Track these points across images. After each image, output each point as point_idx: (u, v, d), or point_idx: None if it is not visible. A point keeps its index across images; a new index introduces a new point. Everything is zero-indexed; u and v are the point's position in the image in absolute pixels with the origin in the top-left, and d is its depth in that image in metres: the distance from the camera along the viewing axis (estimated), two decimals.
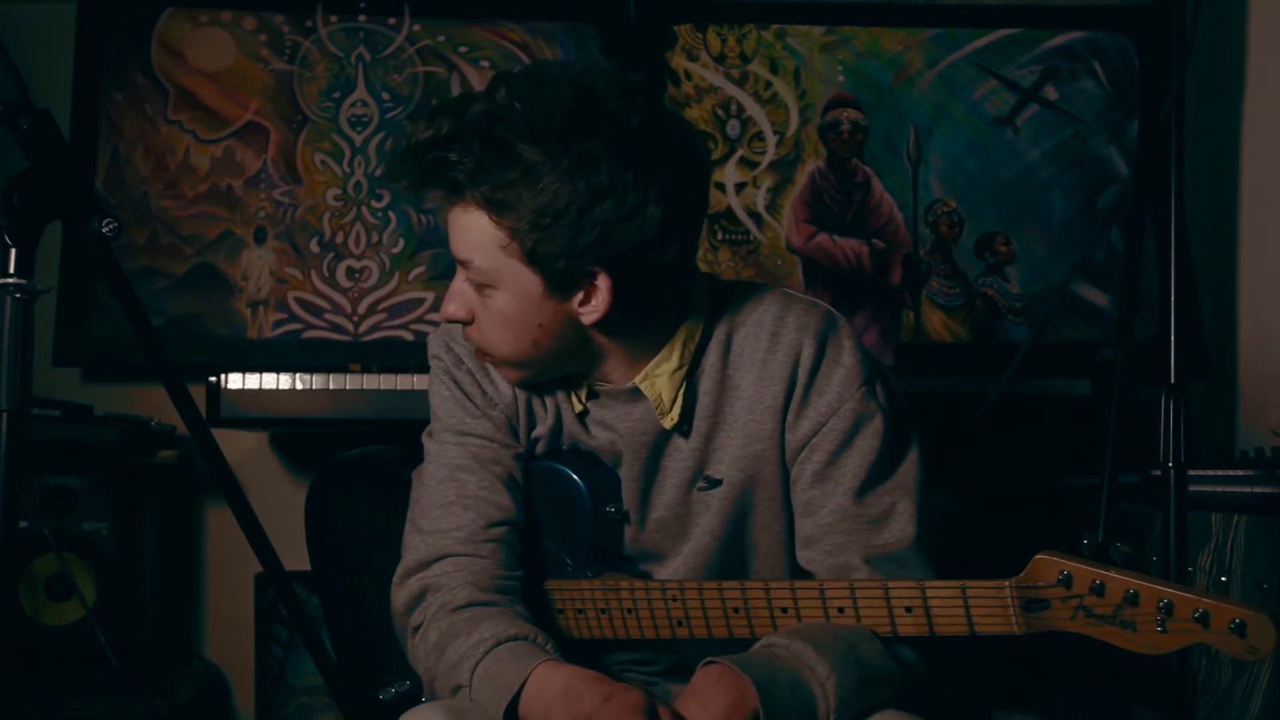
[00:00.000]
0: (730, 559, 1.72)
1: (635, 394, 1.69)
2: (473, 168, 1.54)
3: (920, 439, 1.72)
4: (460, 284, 1.65)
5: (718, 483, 1.70)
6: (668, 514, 1.73)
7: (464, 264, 1.62)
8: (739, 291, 1.74)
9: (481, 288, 1.62)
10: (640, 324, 1.66)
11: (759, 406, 1.67)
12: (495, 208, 1.55)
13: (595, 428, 1.73)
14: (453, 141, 1.55)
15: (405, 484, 1.83)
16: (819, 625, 1.59)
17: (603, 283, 1.58)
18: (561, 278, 1.57)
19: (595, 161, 1.52)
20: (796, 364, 1.66)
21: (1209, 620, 1.39)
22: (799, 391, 1.66)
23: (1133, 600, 1.43)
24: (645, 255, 1.57)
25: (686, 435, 1.70)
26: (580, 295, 1.60)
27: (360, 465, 2.09)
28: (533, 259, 1.56)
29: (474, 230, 1.58)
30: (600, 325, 1.62)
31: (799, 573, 1.71)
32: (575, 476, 1.72)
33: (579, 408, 1.72)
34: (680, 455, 1.71)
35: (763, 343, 1.68)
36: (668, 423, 1.68)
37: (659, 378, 1.67)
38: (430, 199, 1.62)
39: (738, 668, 1.51)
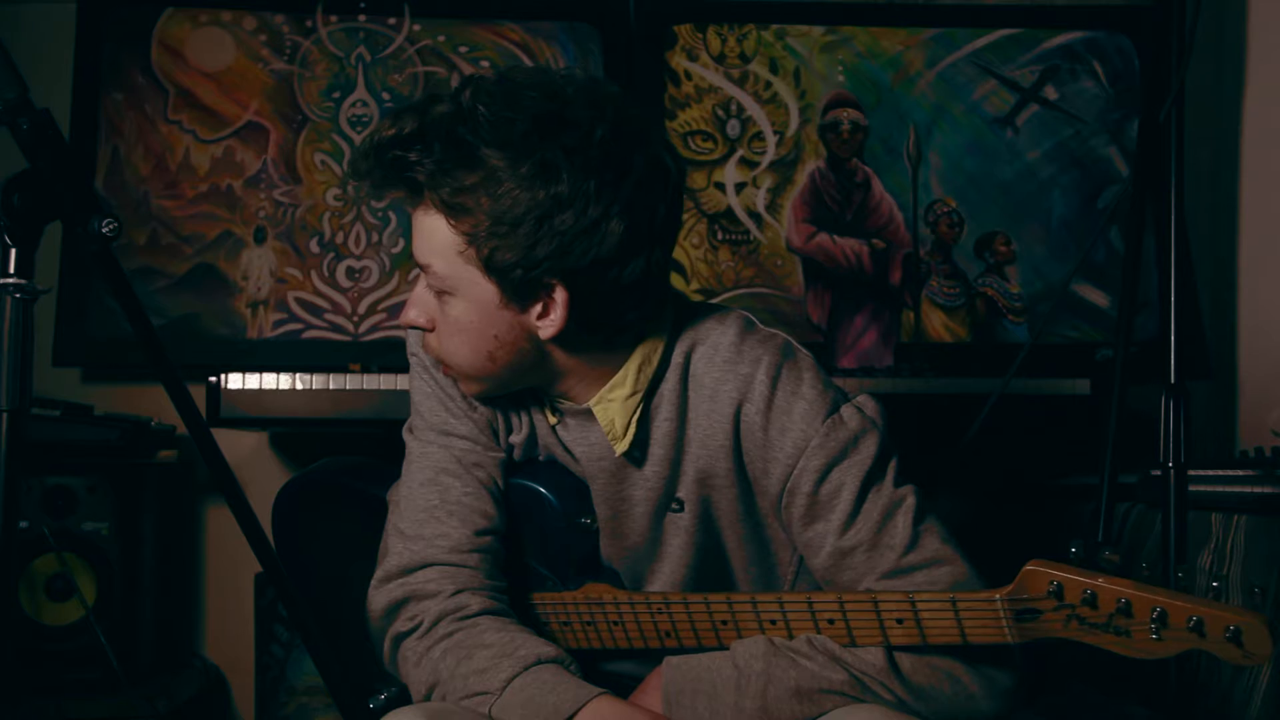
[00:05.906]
0: (709, 584, 1.70)
1: (592, 415, 1.67)
2: (432, 169, 1.52)
3: (909, 441, 1.69)
4: (422, 290, 1.63)
5: (683, 505, 1.68)
6: (640, 540, 1.71)
7: (424, 269, 1.61)
8: (702, 314, 1.69)
9: (441, 294, 1.60)
10: (600, 343, 1.62)
11: (711, 442, 1.64)
12: (453, 211, 1.53)
13: (567, 443, 1.71)
14: (414, 142, 1.53)
15: (366, 497, 1.81)
16: (761, 637, 1.59)
17: (560, 296, 1.56)
18: (518, 287, 1.55)
19: (556, 170, 1.49)
20: (746, 398, 1.62)
21: (1204, 628, 1.37)
22: (755, 433, 1.62)
23: (1126, 610, 1.41)
24: (605, 271, 1.54)
25: (640, 464, 1.67)
26: (538, 307, 1.58)
27: (317, 483, 2.06)
28: (489, 266, 1.54)
29: (433, 234, 1.57)
30: (558, 341, 1.60)
31: None
32: (544, 490, 1.71)
33: (552, 420, 1.71)
34: (645, 483, 1.68)
35: (715, 369, 1.64)
36: (619, 449, 1.65)
37: (612, 403, 1.64)
38: (391, 198, 1.59)
39: (665, 674, 1.60)
